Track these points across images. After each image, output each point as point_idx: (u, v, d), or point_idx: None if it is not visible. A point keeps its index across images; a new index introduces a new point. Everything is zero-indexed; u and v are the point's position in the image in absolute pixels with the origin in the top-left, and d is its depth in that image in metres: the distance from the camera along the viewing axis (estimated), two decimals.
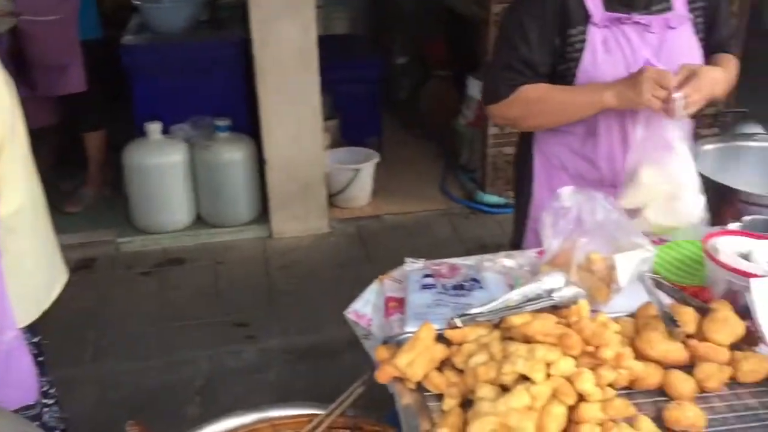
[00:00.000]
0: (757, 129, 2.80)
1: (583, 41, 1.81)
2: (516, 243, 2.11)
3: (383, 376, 1.33)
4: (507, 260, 1.80)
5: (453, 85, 4.99)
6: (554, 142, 1.99)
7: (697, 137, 2.68)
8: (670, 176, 1.79)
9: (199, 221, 4.13)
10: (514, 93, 1.88)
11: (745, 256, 1.61)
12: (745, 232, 1.74)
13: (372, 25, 5.80)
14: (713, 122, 3.08)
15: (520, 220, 2.12)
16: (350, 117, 4.56)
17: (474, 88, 4.29)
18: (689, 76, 1.71)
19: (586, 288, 1.46)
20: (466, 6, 4.63)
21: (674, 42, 1.85)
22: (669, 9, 1.85)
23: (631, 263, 1.52)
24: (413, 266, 1.77)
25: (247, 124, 4.05)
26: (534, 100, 1.88)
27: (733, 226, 1.84)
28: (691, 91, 1.70)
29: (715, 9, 1.93)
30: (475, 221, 4.26)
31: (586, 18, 1.81)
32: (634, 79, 1.72)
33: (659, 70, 1.71)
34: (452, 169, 4.70)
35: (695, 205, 1.82)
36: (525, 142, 2.09)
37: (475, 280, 1.69)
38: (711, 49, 1.95)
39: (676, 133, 1.77)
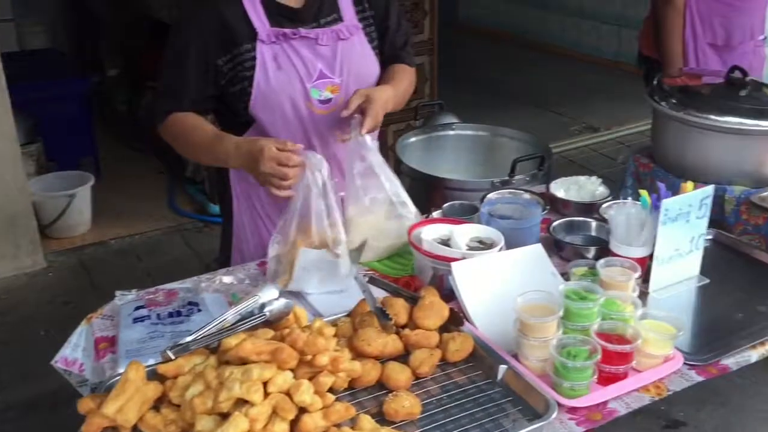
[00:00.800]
0: (453, 119, 3.03)
1: (253, 59, 1.76)
2: (223, 263, 2.02)
3: (92, 429, 1.21)
4: (226, 277, 1.76)
5: None
6: None
7: (401, 131, 2.85)
8: (377, 200, 1.81)
9: None
10: (166, 121, 1.80)
11: (446, 242, 1.72)
12: (444, 219, 1.87)
13: (75, 38, 5.38)
14: (415, 115, 3.30)
15: (226, 240, 2.04)
16: (57, 139, 4.18)
17: None
18: (365, 101, 1.74)
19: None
20: (167, 13, 4.46)
21: (347, 52, 1.84)
22: (339, 20, 1.85)
23: (312, 259, 1.63)
24: (125, 299, 1.64)
25: None
26: (180, 134, 1.81)
27: (435, 213, 1.97)
28: (369, 120, 1.73)
29: (383, 18, 1.96)
30: (210, 234, 4.14)
31: (253, 35, 1.76)
32: (257, 155, 1.61)
33: (279, 151, 1.60)
34: (179, 183, 4.53)
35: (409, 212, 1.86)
36: None
37: (193, 303, 1.61)
38: (386, 58, 1.99)
39: (369, 153, 1.80)
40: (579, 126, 5.57)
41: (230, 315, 1.37)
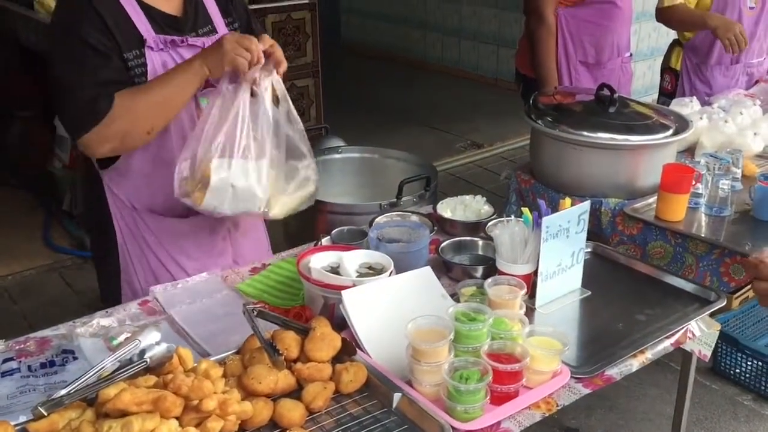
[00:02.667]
0: (339, 142, 3.03)
1: (144, 65, 1.74)
2: (107, 298, 1.93)
3: None
4: (104, 319, 1.66)
5: (42, 126, 4.53)
6: (124, 182, 1.85)
7: None
8: (246, 151, 1.74)
9: None
10: (114, 102, 1.69)
11: (336, 269, 1.70)
12: (333, 245, 1.85)
13: None
14: None
15: (110, 275, 1.95)
16: None
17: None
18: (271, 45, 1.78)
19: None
20: (33, 38, 4.22)
21: None
22: (214, 31, 1.88)
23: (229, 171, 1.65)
24: None
25: None
26: (139, 99, 1.72)
27: (324, 240, 1.95)
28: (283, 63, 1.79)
29: (247, 26, 1.98)
30: (91, 270, 3.92)
31: (140, 42, 1.74)
32: (217, 43, 1.72)
33: (240, 34, 1.75)
34: (56, 218, 4.29)
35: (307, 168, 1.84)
36: (92, 189, 1.90)
37: (67, 351, 1.51)
38: None
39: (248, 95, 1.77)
40: (464, 143, 5.71)
41: (108, 363, 1.29)
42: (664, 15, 3.28)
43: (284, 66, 1.80)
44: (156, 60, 1.75)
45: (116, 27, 1.71)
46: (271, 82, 1.77)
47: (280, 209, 1.82)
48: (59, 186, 4.26)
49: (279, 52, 1.80)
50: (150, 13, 1.77)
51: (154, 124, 1.76)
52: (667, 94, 3.44)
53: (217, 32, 1.88)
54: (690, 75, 3.34)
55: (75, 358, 1.49)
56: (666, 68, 3.47)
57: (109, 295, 1.92)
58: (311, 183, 1.86)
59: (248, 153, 1.72)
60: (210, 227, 1.94)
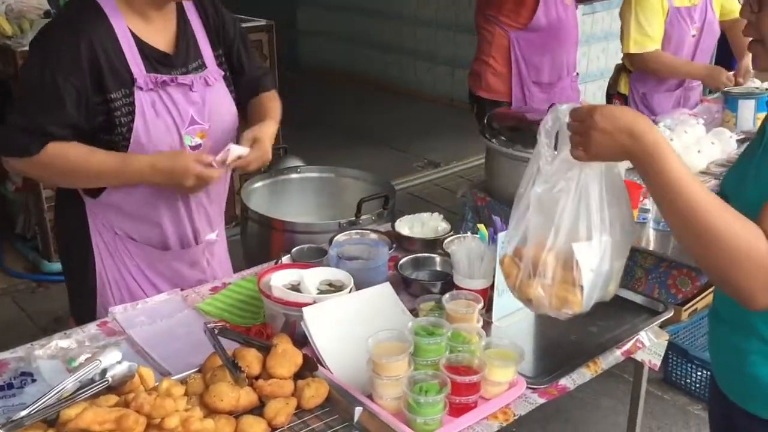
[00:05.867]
0: (298, 162, 3.05)
1: (131, 105, 1.72)
2: (81, 320, 1.89)
3: None
4: (63, 341, 1.65)
5: None
6: (109, 207, 1.86)
7: (247, 176, 2.83)
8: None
9: None
10: (45, 151, 1.69)
11: (296, 287, 1.72)
12: (293, 264, 1.87)
13: None
14: None
15: (84, 297, 1.93)
16: None
17: None
18: (254, 141, 1.83)
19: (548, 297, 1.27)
20: (2, 69, 4.15)
21: (214, 98, 1.87)
22: (204, 66, 1.87)
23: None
24: None
25: None
26: (67, 162, 1.73)
27: (284, 259, 1.97)
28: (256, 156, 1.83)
29: (230, 53, 1.98)
30: (46, 294, 3.87)
31: (131, 81, 1.72)
32: (176, 174, 1.74)
33: (200, 164, 1.74)
34: (8, 240, 4.21)
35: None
36: (72, 207, 1.90)
37: (26, 373, 1.50)
38: (250, 91, 2.05)
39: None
40: (422, 162, 5.78)
41: (69, 383, 1.29)
42: (643, 62, 3.29)
43: (258, 165, 1.86)
44: (145, 100, 1.74)
45: (109, 59, 1.70)
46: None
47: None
48: (12, 209, 4.19)
49: (255, 163, 1.83)
50: (143, 50, 1.76)
51: (74, 186, 1.85)
52: None
53: (206, 67, 1.87)
54: (637, 102, 3.46)
55: (34, 381, 1.48)
56: (615, 93, 3.58)
57: (84, 317, 1.90)
58: None
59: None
60: (191, 259, 1.99)
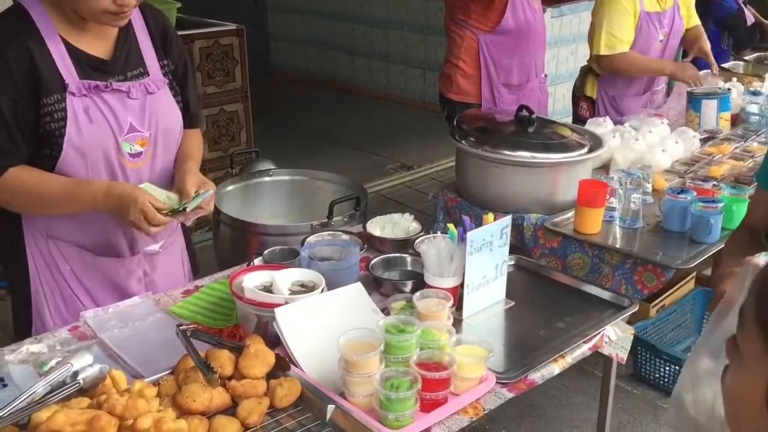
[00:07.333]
0: (270, 165, 3.06)
1: (63, 110, 1.70)
2: (20, 331, 1.89)
3: None
4: (34, 345, 1.64)
5: None
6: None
7: (219, 179, 2.83)
8: None
9: None
10: (2, 176, 1.70)
11: (269, 288, 1.73)
12: (265, 265, 1.88)
13: None
14: (231, 163, 3.29)
15: (22, 305, 1.91)
16: None
17: None
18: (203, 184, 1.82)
19: None
20: None
21: (156, 106, 1.84)
22: (146, 74, 1.84)
23: None
24: None
25: None
26: (25, 189, 1.73)
27: (256, 261, 1.98)
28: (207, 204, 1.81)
29: (178, 74, 1.94)
30: (5, 303, 3.80)
31: (62, 87, 1.70)
32: (125, 203, 1.72)
33: (151, 207, 1.72)
34: None
35: None
36: (5, 211, 1.86)
37: None
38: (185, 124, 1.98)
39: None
40: (394, 165, 5.81)
41: (40, 387, 1.29)
42: (612, 63, 3.35)
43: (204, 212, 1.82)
44: (77, 106, 1.72)
45: (43, 65, 1.68)
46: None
47: None
48: None
49: (206, 209, 1.81)
50: (76, 56, 1.74)
51: (29, 212, 1.83)
52: (583, 121, 3.61)
53: (148, 74, 1.85)
54: (605, 105, 3.52)
55: (5, 386, 1.47)
56: (582, 96, 3.63)
57: (21, 327, 1.88)
58: None
59: None
60: (126, 269, 1.94)
